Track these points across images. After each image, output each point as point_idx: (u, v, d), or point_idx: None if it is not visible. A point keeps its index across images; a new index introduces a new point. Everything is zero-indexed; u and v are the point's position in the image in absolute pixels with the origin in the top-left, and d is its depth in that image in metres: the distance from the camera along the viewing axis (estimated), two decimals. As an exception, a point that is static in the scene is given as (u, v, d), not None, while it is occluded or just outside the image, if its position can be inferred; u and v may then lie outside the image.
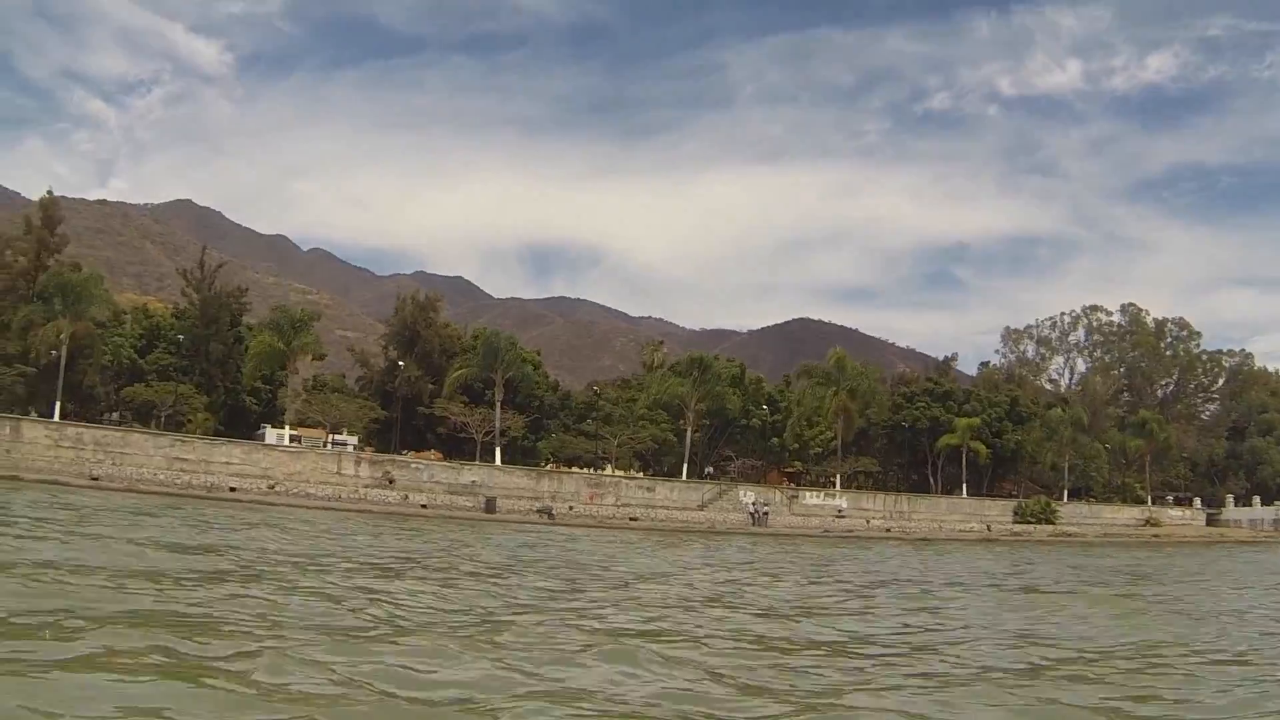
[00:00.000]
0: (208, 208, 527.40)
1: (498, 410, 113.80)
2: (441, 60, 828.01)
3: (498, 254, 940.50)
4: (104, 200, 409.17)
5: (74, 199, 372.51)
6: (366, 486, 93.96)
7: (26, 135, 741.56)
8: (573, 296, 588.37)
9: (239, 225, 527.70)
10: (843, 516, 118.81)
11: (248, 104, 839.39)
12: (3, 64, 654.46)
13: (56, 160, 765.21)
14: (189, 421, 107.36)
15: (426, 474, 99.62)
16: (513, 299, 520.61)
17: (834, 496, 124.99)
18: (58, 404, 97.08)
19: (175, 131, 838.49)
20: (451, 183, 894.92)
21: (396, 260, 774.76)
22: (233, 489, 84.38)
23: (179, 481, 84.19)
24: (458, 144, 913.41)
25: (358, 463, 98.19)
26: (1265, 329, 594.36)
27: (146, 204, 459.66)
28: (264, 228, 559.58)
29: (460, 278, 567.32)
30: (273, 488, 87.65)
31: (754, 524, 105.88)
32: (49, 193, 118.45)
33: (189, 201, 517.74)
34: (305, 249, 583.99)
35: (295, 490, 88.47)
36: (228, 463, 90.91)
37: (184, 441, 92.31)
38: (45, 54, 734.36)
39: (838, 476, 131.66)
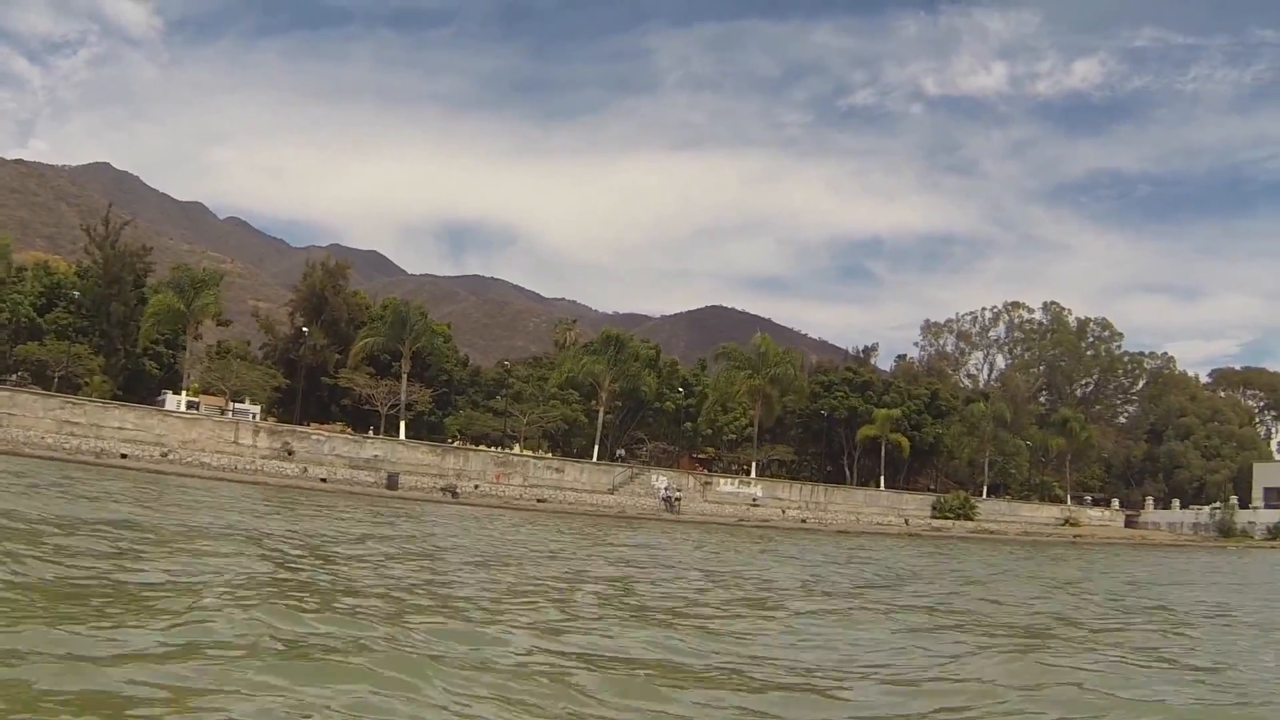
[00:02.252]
0: (126, 171, 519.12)
1: (404, 382, 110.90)
2: (368, 33, 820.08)
3: (414, 230, 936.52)
4: (21, 160, 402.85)
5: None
6: (265, 457, 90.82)
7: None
8: (487, 275, 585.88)
9: (156, 190, 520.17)
10: (758, 505, 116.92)
11: (173, 68, 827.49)
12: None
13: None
14: (85, 384, 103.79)
15: (328, 446, 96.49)
16: (427, 275, 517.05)
17: (749, 485, 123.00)
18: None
19: (98, 93, 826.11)
20: (372, 157, 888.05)
21: (313, 233, 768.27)
22: (124, 455, 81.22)
23: (67, 446, 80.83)
24: (380, 118, 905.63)
25: (256, 432, 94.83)
26: (1175, 336, 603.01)
27: (64, 165, 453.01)
28: (181, 194, 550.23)
29: (375, 252, 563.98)
30: (166, 455, 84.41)
31: (666, 510, 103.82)
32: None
33: (107, 165, 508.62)
34: (222, 217, 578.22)
35: (190, 459, 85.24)
36: (120, 428, 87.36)
37: (74, 404, 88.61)
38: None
39: (753, 464, 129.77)
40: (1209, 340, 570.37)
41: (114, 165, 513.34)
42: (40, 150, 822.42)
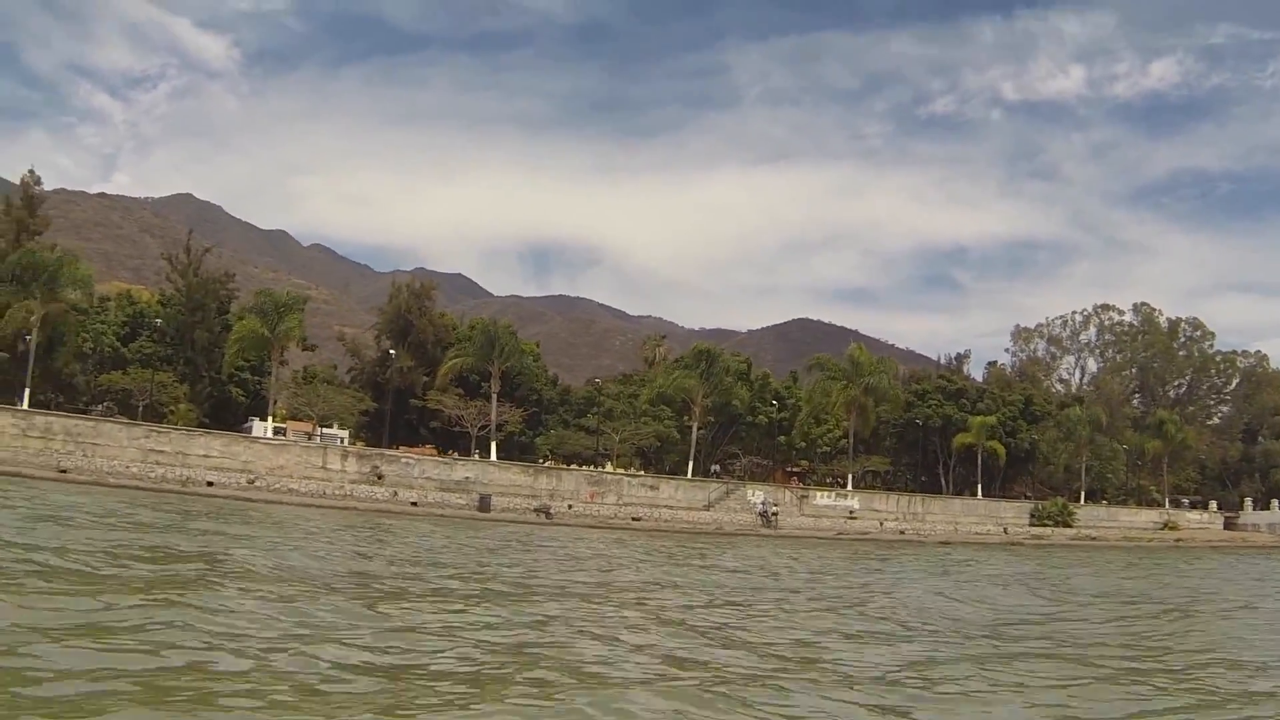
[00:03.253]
0: (208, 202, 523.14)
1: (494, 402, 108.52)
2: (446, 58, 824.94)
3: (498, 252, 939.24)
4: (104, 193, 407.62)
5: (74, 192, 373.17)
6: (353, 482, 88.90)
7: (30, 128, 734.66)
8: (572, 295, 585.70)
9: (239, 220, 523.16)
10: (854, 518, 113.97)
11: (253, 99, 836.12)
12: (7, 56, 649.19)
13: (60, 153, 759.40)
14: (171, 412, 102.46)
15: (417, 469, 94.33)
16: (512, 296, 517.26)
17: (845, 497, 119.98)
18: (27, 390, 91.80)
19: (179, 126, 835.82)
20: (453, 180, 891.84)
21: (397, 257, 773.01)
22: (210, 483, 79.56)
23: (153, 475, 79.40)
24: (460, 141, 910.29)
25: (344, 457, 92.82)
26: (1265, 334, 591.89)
27: (147, 198, 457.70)
28: (264, 223, 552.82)
29: (460, 274, 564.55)
30: (252, 482, 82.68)
31: (764, 525, 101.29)
32: (30, 172, 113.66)
33: (189, 195, 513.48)
34: (305, 244, 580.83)
35: (277, 485, 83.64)
36: (206, 455, 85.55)
37: (159, 432, 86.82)
38: (51, 47, 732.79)
39: (849, 476, 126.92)
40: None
41: (196, 196, 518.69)
42: (123, 184, 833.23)
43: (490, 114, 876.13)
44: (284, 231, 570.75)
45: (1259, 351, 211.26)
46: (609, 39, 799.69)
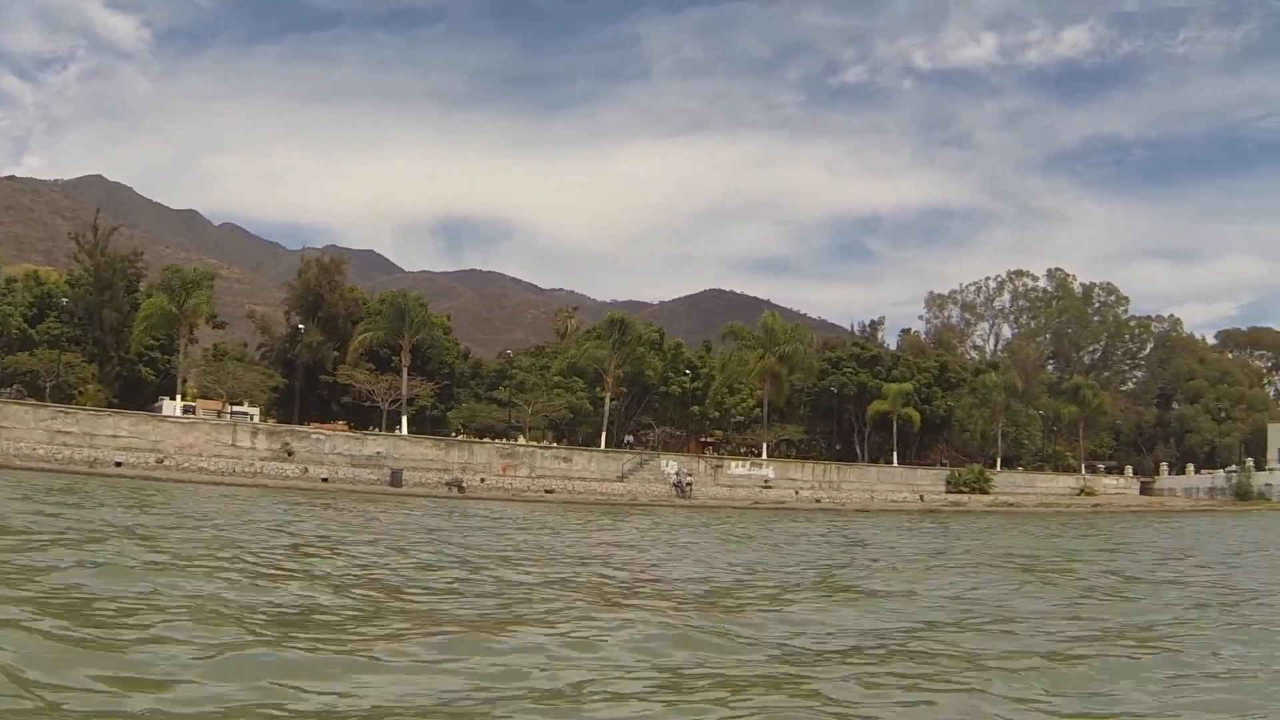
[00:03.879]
0: (119, 183, 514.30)
1: (405, 376, 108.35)
2: (360, 34, 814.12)
3: (412, 227, 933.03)
4: (13, 176, 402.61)
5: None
6: (264, 460, 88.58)
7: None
8: (485, 269, 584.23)
9: (150, 201, 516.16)
10: (770, 487, 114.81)
11: (164, 79, 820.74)
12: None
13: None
14: (80, 394, 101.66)
15: (328, 445, 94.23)
16: (424, 272, 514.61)
17: (760, 466, 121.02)
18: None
19: (91, 108, 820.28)
20: (367, 157, 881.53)
21: (310, 235, 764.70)
22: (119, 464, 79.00)
23: (60, 456, 78.73)
24: (375, 118, 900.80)
25: (254, 434, 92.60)
26: (1176, 300, 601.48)
27: (57, 180, 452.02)
28: (176, 203, 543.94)
29: (372, 251, 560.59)
30: (161, 462, 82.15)
31: (678, 496, 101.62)
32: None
33: (100, 177, 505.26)
34: (217, 224, 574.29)
35: (186, 464, 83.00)
36: (115, 435, 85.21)
37: (66, 413, 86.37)
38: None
39: (764, 445, 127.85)
40: (1210, 303, 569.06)
41: (107, 177, 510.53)
42: (34, 166, 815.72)
43: (405, 90, 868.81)
44: (195, 211, 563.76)
45: (1173, 316, 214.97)
46: (522, 13, 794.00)
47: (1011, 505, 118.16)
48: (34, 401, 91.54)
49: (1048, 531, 63.37)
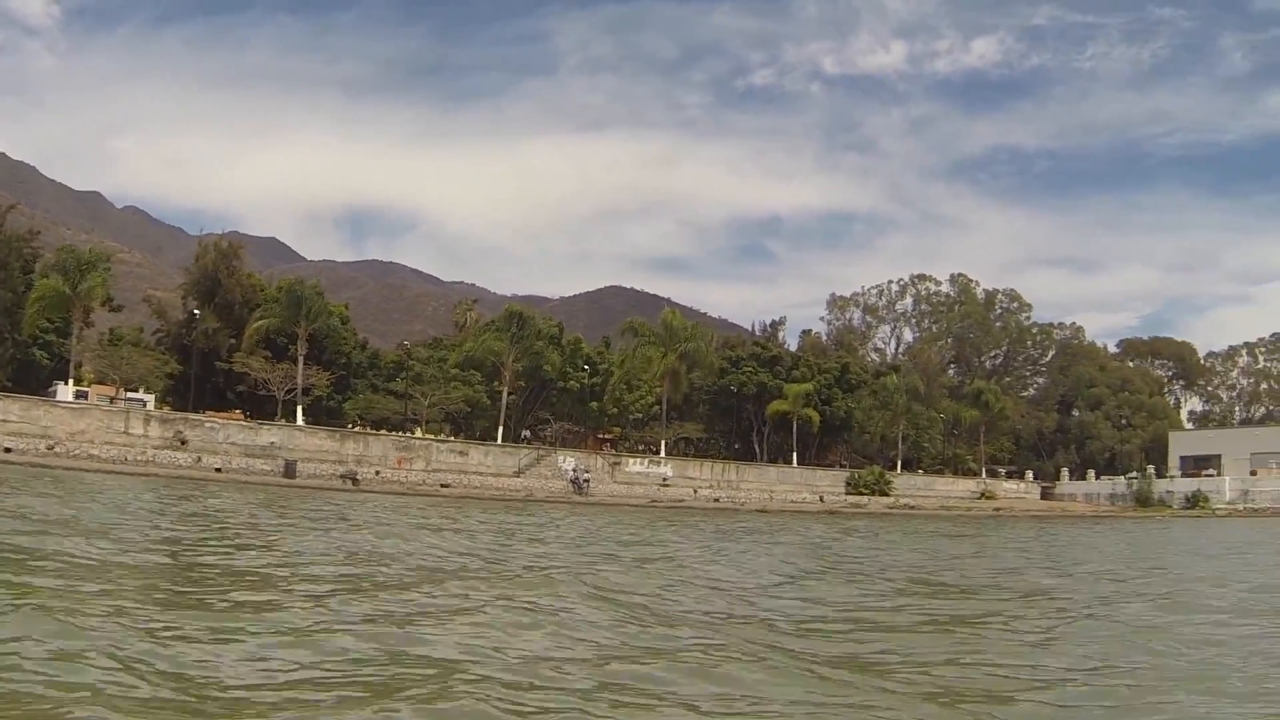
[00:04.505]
0: (21, 161, 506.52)
1: (300, 365, 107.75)
2: (269, 19, 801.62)
3: (314, 216, 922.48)
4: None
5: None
6: (156, 448, 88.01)
7: None
8: (386, 260, 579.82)
9: (53, 181, 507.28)
10: (668, 485, 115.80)
11: (71, 57, 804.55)
12: None
13: None
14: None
15: (222, 434, 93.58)
16: (325, 261, 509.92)
17: (659, 464, 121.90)
18: None
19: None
20: (272, 143, 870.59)
21: (213, 221, 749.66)
22: (7, 449, 78.30)
23: (-54, 442, 78.19)
24: (281, 104, 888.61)
25: (147, 421, 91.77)
26: (1075, 309, 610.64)
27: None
28: (78, 184, 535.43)
29: (274, 239, 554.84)
30: (52, 449, 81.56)
31: (575, 492, 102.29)
32: None
33: (2, 155, 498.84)
34: (120, 206, 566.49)
35: (77, 451, 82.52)
36: (4, 420, 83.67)
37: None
38: None
39: (662, 443, 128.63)
40: (1109, 313, 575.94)
41: (9, 155, 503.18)
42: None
43: (312, 77, 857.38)
44: (98, 193, 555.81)
45: (1074, 324, 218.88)
46: (434, 3, 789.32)
47: (912, 508, 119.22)
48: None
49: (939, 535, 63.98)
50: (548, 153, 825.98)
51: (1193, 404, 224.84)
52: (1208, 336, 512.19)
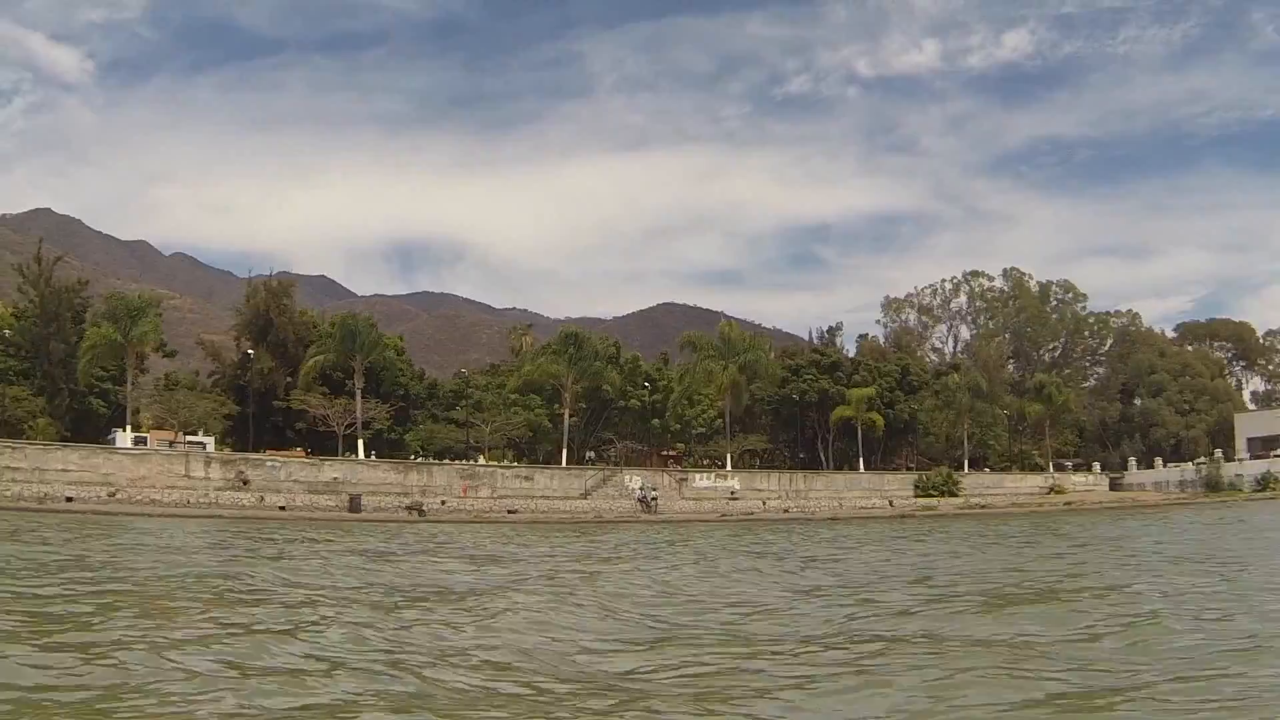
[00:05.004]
0: (68, 216, 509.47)
1: (359, 399, 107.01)
2: (302, 60, 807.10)
3: (362, 252, 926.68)
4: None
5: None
6: (218, 489, 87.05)
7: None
8: (437, 291, 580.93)
9: (99, 233, 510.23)
10: (736, 498, 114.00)
11: (109, 110, 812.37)
12: None
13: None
14: (29, 428, 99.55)
15: (283, 472, 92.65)
16: (376, 295, 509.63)
17: (726, 478, 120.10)
18: None
19: (36, 141, 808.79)
20: (314, 182, 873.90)
21: (260, 262, 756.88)
22: (69, 499, 77.32)
23: (9, 493, 76.88)
24: (319, 144, 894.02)
25: (208, 463, 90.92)
26: (1129, 296, 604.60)
27: (5, 214, 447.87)
28: (125, 234, 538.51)
29: (324, 276, 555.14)
30: (113, 495, 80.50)
31: (644, 510, 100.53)
32: None
33: (48, 210, 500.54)
34: (167, 254, 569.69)
35: (139, 497, 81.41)
36: (64, 469, 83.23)
37: (13, 448, 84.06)
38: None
39: (727, 456, 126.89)
40: (1163, 298, 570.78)
41: (55, 210, 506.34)
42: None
43: (349, 114, 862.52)
44: (145, 242, 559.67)
45: (1131, 311, 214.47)
46: (464, 33, 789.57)
47: (984, 507, 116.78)
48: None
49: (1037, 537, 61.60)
50: (591, 174, 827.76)
51: (1255, 384, 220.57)
52: (1265, 315, 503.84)
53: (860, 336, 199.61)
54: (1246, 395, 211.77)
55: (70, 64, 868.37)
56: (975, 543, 49.11)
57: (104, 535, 44.75)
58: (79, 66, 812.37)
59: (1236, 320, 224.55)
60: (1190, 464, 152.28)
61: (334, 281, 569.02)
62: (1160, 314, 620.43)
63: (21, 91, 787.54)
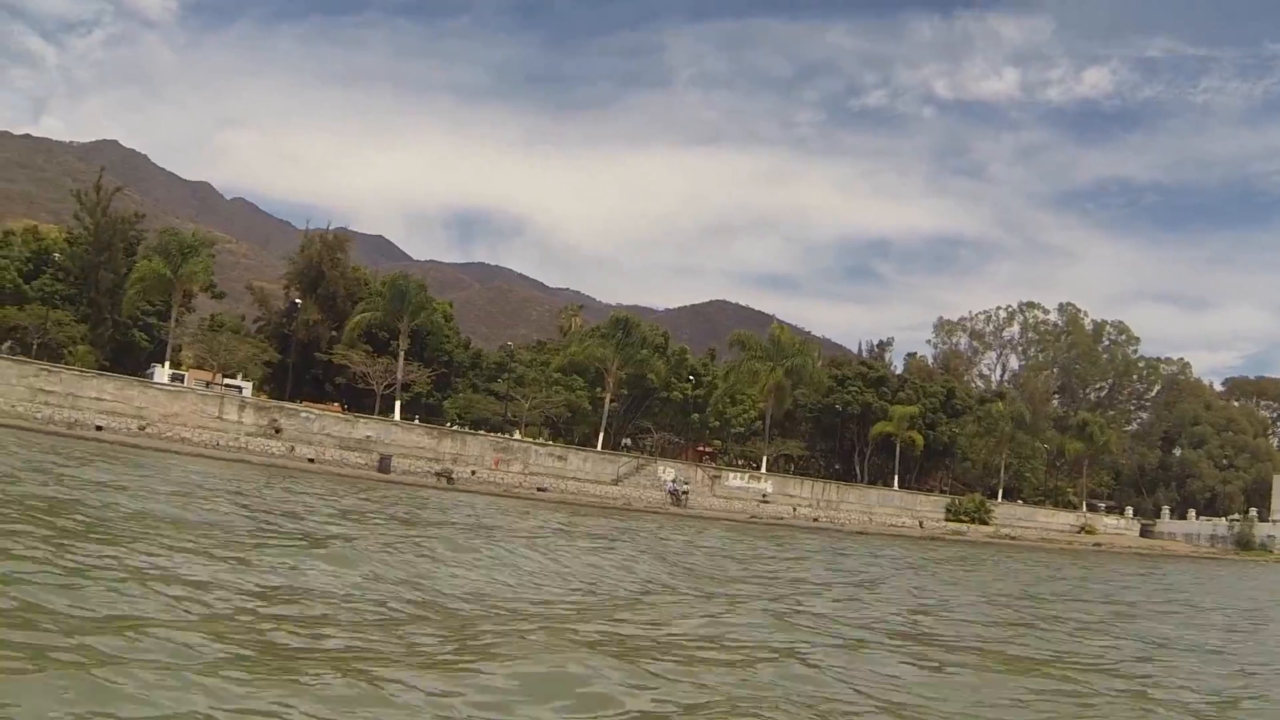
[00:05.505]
0: (133, 150, 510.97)
1: (400, 360, 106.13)
2: (385, 21, 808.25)
3: (423, 217, 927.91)
4: (29, 135, 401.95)
5: (0, 132, 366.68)
6: (250, 435, 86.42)
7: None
8: (492, 263, 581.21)
9: (164, 170, 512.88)
10: (768, 502, 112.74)
11: (188, 50, 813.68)
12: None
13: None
14: (69, 353, 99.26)
15: (317, 425, 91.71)
16: (431, 261, 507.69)
17: (759, 480, 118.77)
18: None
19: (113, 74, 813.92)
20: (384, 143, 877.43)
21: (320, 216, 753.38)
22: (99, 428, 76.97)
23: (39, 415, 76.81)
24: (395, 106, 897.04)
25: (242, 408, 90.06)
26: (1180, 346, 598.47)
27: (72, 142, 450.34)
28: (189, 174, 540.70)
29: (382, 237, 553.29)
30: (144, 429, 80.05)
31: (673, 503, 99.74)
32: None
33: (115, 142, 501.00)
34: (229, 198, 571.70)
35: (169, 434, 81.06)
36: (98, 398, 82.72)
37: (50, 371, 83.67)
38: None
39: (763, 459, 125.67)
40: (1214, 351, 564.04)
41: (122, 143, 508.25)
42: (52, 128, 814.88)
43: (426, 80, 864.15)
44: (208, 183, 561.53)
45: (1182, 359, 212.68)
46: (547, 12, 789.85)
47: (1013, 538, 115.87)
48: (21, 358, 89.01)
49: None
50: (658, 165, 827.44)
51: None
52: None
53: (909, 355, 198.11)
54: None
55: (154, 1, 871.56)
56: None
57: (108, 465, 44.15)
58: (162, 4, 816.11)
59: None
60: (1224, 520, 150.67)
61: (391, 243, 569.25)
62: (1208, 366, 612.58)
63: (103, 23, 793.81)
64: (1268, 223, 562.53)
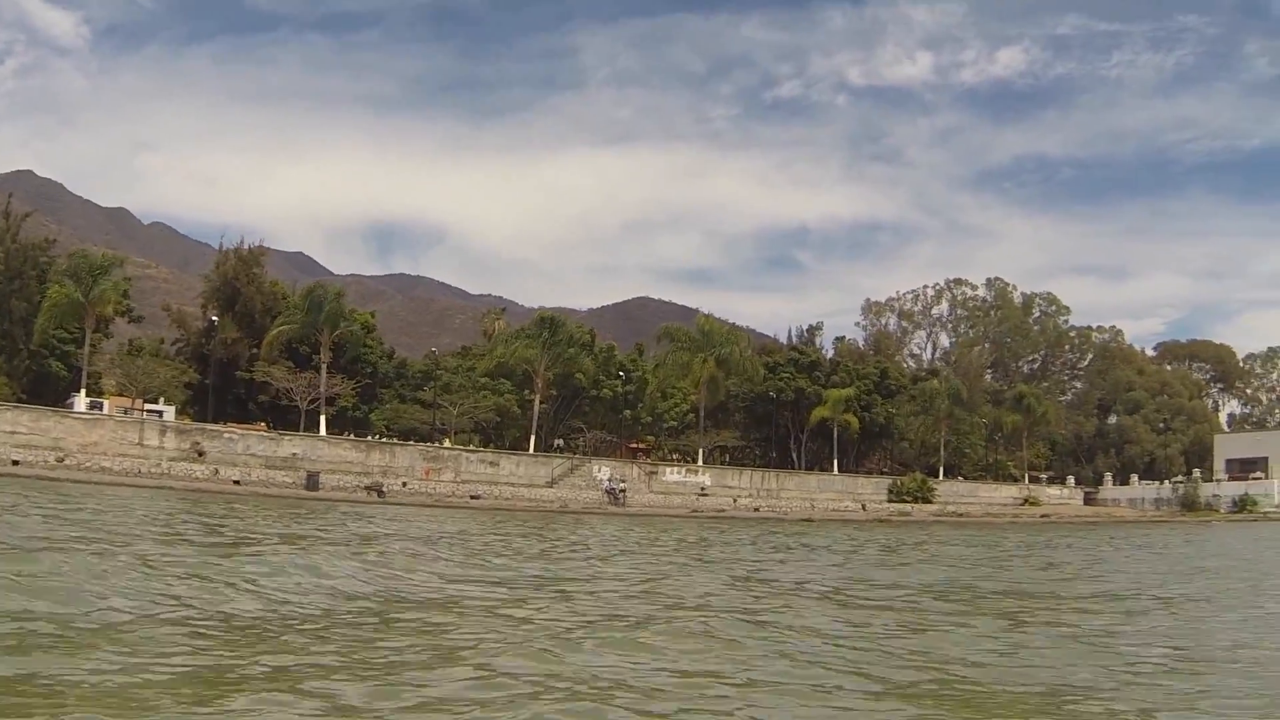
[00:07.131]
0: (48, 179, 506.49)
1: (323, 373, 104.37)
2: (296, 37, 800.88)
3: (342, 231, 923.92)
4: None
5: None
6: (172, 459, 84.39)
7: None
8: (413, 274, 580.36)
9: (80, 197, 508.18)
10: (707, 495, 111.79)
11: (101, 77, 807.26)
12: None
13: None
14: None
15: (241, 445, 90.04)
16: (353, 275, 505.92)
17: (696, 473, 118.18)
18: None
19: (25, 103, 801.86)
20: (299, 159, 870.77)
21: (239, 235, 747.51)
22: (15, 462, 74.72)
23: (-49, 454, 74.64)
24: (309, 121, 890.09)
25: (163, 432, 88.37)
26: (1104, 316, 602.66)
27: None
28: (107, 201, 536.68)
29: (302, 253, 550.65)
30: (62, 461, 77.85)
31: (611, 502, 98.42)
32: None
33: (29, 173, 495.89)
34: (146, 222, 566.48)
35: (89, 464, 78.64)
36: (12, 431, 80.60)
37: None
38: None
39: (699, 452, 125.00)
40: (1138, 319, 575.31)
41: (37, 173, 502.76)
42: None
43: (339, 94, 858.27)
44: (126, 209, 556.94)
45: (1114, 327, 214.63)
46: (459, 20, 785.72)
47: (959, 515, 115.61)
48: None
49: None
50: (575, 166, 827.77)
51: (1231, 407, 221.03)
52: (1237, 342, 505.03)
53: (838, 338, 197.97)
54: (1223, 417, 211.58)
55: (65, 28, 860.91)
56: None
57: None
58: (74, 31, 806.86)
59: (1217, 342, 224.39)
60: (1167, 482, 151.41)
61: (312, 259, 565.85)
62: (1134, 334, 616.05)
63: (14, 53, 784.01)
64: (1182, 191, 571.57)
